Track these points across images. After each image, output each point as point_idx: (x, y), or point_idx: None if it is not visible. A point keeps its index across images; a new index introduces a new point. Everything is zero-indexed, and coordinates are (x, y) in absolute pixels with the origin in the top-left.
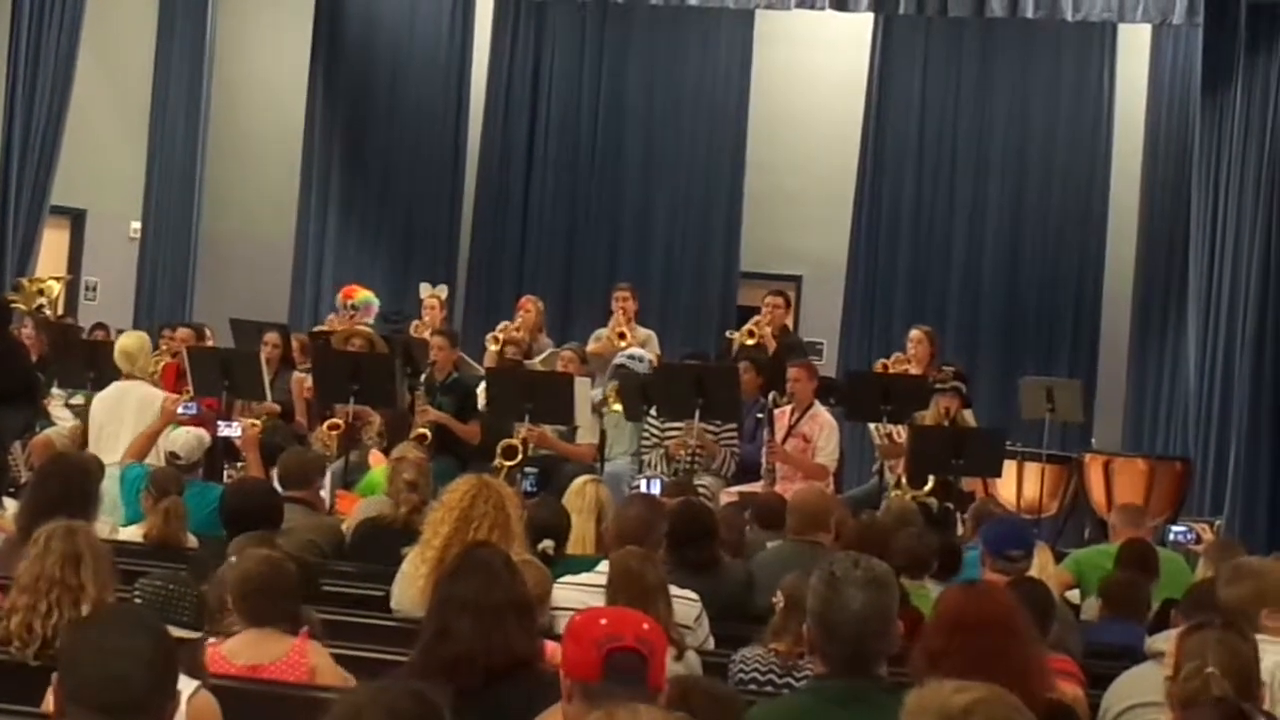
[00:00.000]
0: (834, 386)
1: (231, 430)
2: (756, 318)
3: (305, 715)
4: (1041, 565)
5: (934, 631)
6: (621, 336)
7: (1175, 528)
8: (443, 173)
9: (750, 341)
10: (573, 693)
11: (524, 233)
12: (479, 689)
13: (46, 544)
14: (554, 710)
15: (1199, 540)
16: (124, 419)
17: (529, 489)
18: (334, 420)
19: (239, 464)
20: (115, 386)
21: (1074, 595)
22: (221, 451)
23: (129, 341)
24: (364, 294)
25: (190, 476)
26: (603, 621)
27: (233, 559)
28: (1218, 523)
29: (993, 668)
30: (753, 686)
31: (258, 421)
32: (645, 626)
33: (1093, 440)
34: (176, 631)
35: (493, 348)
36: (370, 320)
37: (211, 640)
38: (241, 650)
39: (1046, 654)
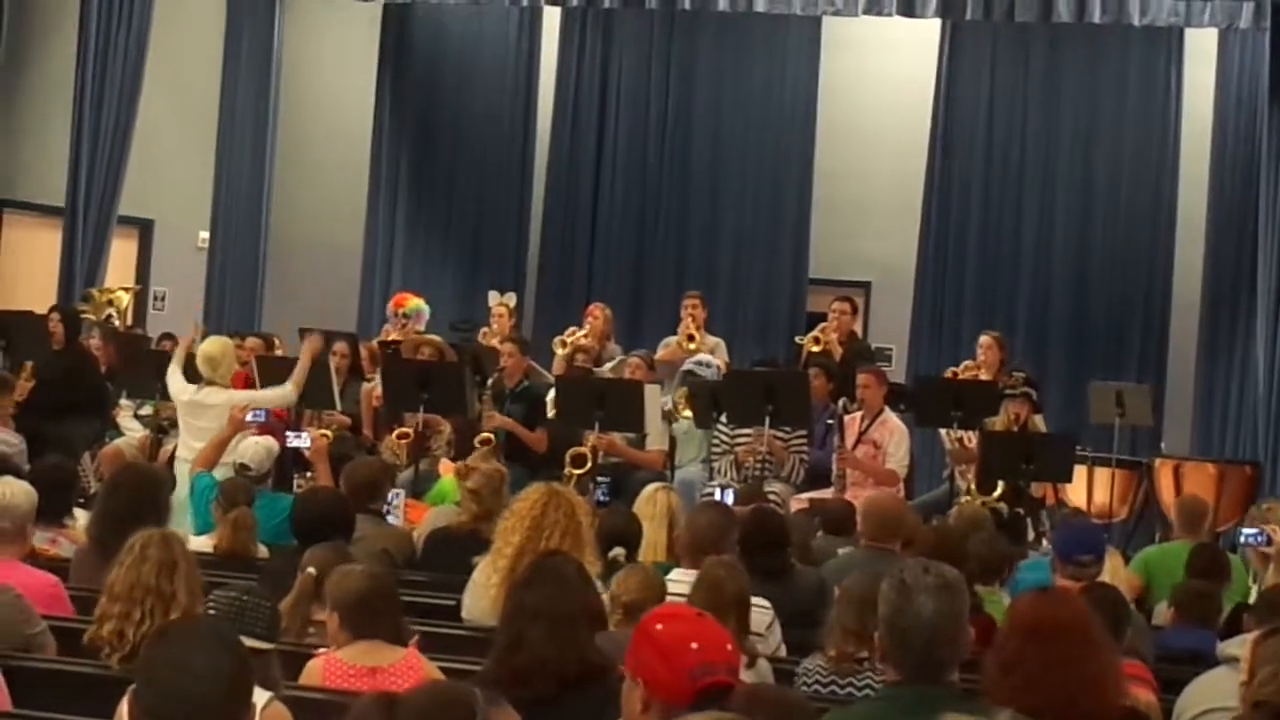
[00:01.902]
0: (904, 392)
1: (301, 441)
2: (823, 324)
3: None
4: (1113, 570)
5: (1008, 639)
6: (690, 340)
7: (1247, 530)
8: (511, 180)
9: (816, 348)
10: (651, 706)
11: (592, 240)
12: (553, 697)
13: (143, 551)
14: None
15: (1270, 542)
16: (211, 420)
17: (601, 498)
18: (403, 429)
19: (308, 474)
20: (197, 388)
21: None
22: (291, 461)
23: (212, 347)
24: (414, 301)
25: (260, 486)
26: (694, 646)
27: (311, 570)
28: None
29: (1067, 675)
30: (815, 697)
31: (328, 432)
32: (730, 648)
33: (1162, 444)
34: (250, 642)
35: (561, 352)
36: (421, 327)
37: (322, 650)
38: (358, 655)
39: (1121, 661)
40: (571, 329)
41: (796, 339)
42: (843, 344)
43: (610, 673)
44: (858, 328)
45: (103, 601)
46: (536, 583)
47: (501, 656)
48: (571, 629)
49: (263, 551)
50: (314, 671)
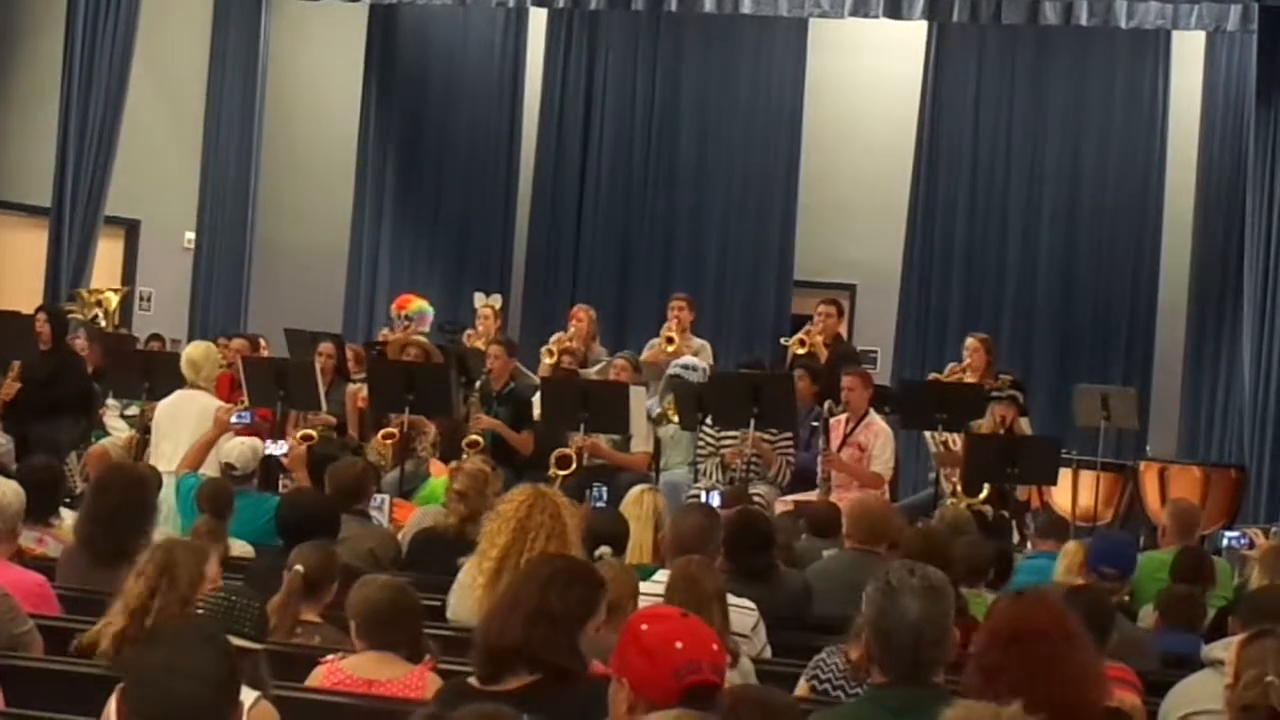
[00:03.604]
0: (889, 395)
1: (278, 449)
2: (808, 326)
3: None
4: None
5: (987, 646)
6: (670, 342)
7: (1229, 533)
8: (497, 182)
9: (801, 350)
10: (636, 706)
11: (578, 242)
12: (526, 695)
13: (152, 558)
14: None
15: (1253, 545)
16: (184, 428)
17: (598, 503)
18: (389, 430)
19: (293, 476)
20: (178, 394)
21: None
22: (276, 462)
23: (195, 351)
24: (418, 303)
25: (245, 486)
26: (679, 645)
27: (299, 568)
28: (1274, 530)
29: (1049, 677)
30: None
31: (312, 432)
32: (715, 648)
33: (1148, 448)
34: (238, 642)
35: (548, 360)
36: (425, 330)
37: (330, 657)
38: (360, 666)
39: (1103, 661)
40: (557, 335)
41: (782, 341)
42: (828, 346)
43: (585, 675)
44: (843, 330)
45: (115, 607)
46: (524, 575)
47: (476, 642)
48: (533, 624)
49: (244, 550)
50: (316, 679)
